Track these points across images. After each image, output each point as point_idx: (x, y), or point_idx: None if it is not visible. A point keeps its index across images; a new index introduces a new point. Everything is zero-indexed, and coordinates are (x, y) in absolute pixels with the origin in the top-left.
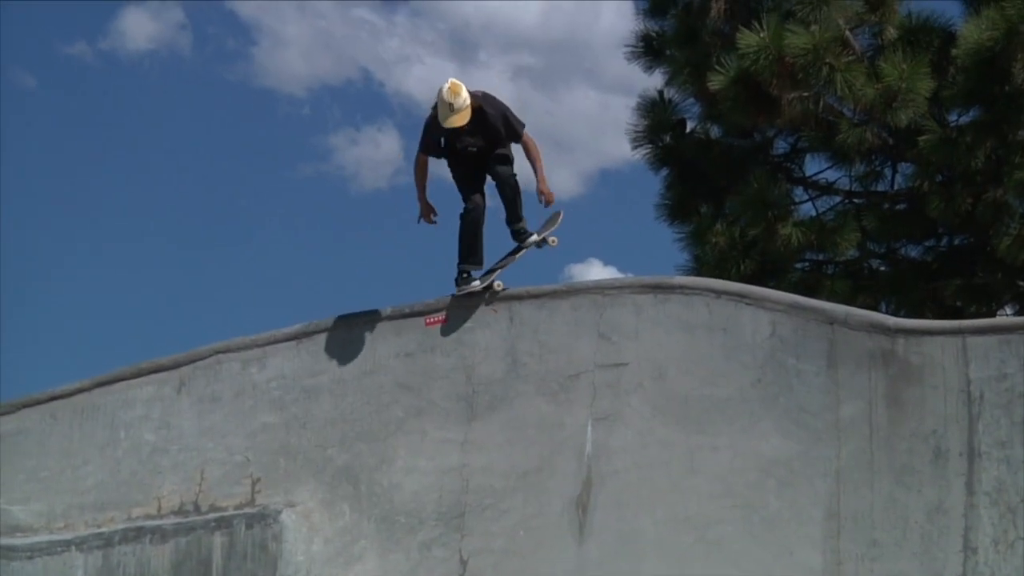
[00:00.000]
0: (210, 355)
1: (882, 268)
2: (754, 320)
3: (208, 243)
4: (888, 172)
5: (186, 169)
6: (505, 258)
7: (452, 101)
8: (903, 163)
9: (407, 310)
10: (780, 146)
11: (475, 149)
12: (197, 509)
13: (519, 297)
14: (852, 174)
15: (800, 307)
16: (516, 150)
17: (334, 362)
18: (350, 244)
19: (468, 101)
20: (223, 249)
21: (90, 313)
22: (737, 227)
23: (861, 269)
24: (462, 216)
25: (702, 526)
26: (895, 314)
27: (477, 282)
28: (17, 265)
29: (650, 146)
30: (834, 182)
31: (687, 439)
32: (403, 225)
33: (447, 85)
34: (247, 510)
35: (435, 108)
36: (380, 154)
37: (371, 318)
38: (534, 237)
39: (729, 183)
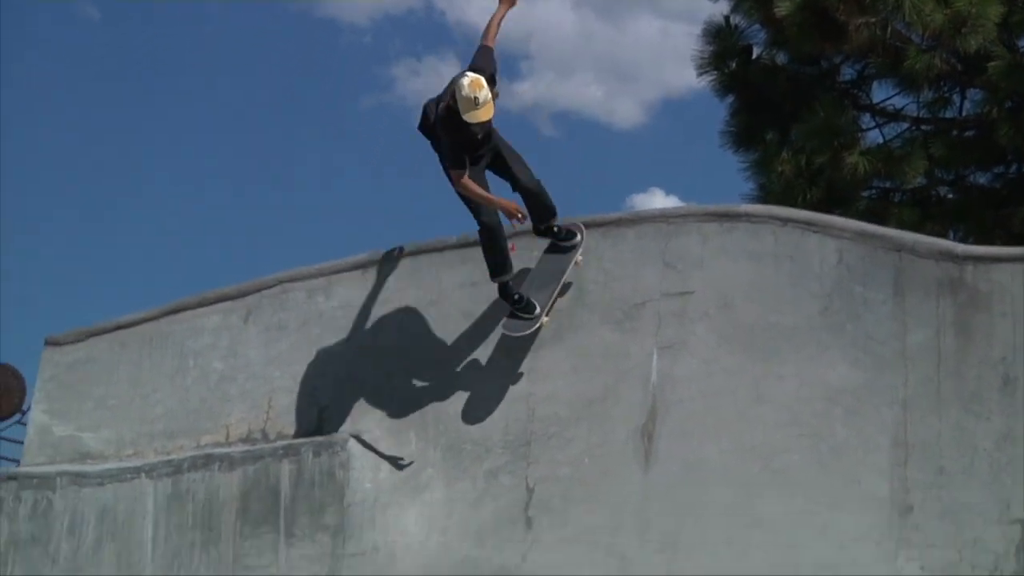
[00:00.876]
0: (276, 284)
1: (950, 195)
2: (821, 248)
3: (272, 174)
4: (956, 98)
5: (250, 99)
6: (559, 285)
7: (476, 95)
8: (972, 89)
9: (472, 239)
10: (847, 73)
11: (481, 135)
12: (265, 437)
13: (584, 225)
14: (920, 101)
15: (867, 235)
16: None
17: (399, 291)
18: (414, 175)
19: (490, 94)
20: (288, 179)
21: (158, 244)
22: (803, 155)
23: (929, 197)
24: (483, 233)
25: (768, 455)
26: (963, 241)
27: (546, 318)
28: (83, 196)
29: (715, 73)
30: (901, 109)
31: (753, 368)
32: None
33: (468, 80)
34: (315, 438)
35: (448, 117)
36: (441, 84)
37: (437, 247)
38: (579, 256)
39: (795, 110)
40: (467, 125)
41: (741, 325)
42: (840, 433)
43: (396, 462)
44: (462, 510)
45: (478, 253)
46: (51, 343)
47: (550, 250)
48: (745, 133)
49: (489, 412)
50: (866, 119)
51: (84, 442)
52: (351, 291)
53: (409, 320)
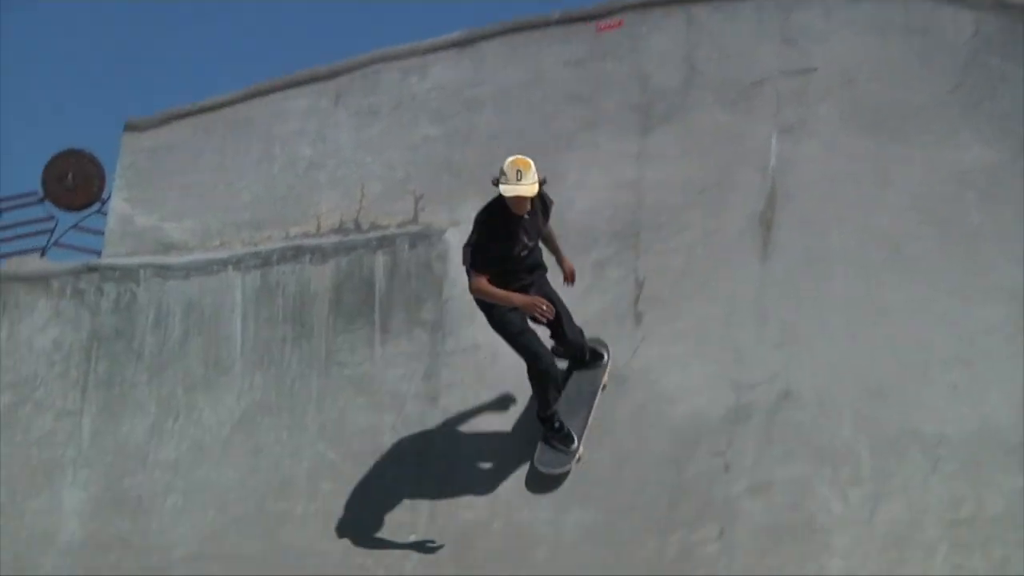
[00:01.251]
0: (367, 64)
1: None
2: (955, 19)
3: None
4: None
5: None
6: (590, 412)
7: (520, 169)
8: None
9: (576, 14)
10: None
11: (527, 253)
12: (358, 227)
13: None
14: None
15: (1006, 4)
16: None
17: (498, 71)
18: None
19: (536, 177)
20: None
21: (242, 21)
22: None
23: None
24: (533, 372)
25: (894, 242)
26: None
27: (582, 450)
28: None
29: None
30: None
31: (879, 150)
32: None
33: (512, 158)
34: (410, 228)
35: (487, 211)
36: None
37: (538, 23)
38: (605, 378)
39: None
40: (511, 221)
41: (866, 104)
42: (973, 219)
43: None
44: (568, 304)
45: (582, 29)
46: (131, 128)
47: (575, 368)
48: None
49: (595, 200)
50: None
51: (167, 232)
52: (447, 71)
53: (509, 102)
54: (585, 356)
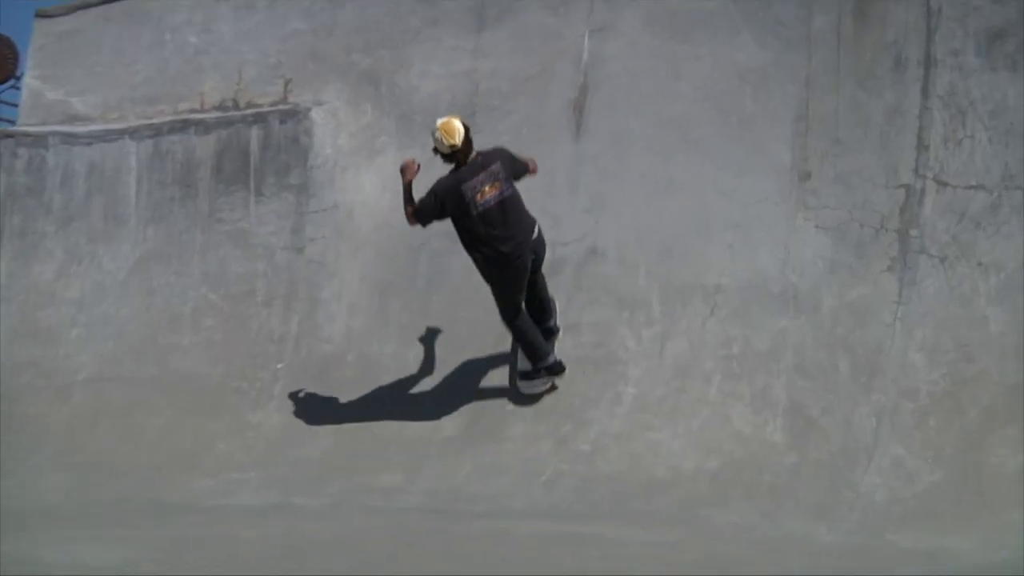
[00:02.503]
0: None
1: None
2: None
3: None
4: None
5: None
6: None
7: (444, 137)
8: None
9: None
10: None
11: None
12: (236, 105)
13: None
14: None
15: None
16: None
17: None
18: None
19: (454, 136)
20: None
21: None
22: None
23: None
24: (510, 328)
25: (685, 127)
26: None
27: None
28: None
29: None
30: None
31: (673, 49)
32: None
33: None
34: (280, 107)
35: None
36: None
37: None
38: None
39: None
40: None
41: (664, 9)
42: (749, 107)
43: (354, 128)
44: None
45: None
46: (42, 15)
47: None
48: None
49: (438, 86)
50: None
51: (73, 106)
52: None
53: (367, 1)
54: (550, 313)
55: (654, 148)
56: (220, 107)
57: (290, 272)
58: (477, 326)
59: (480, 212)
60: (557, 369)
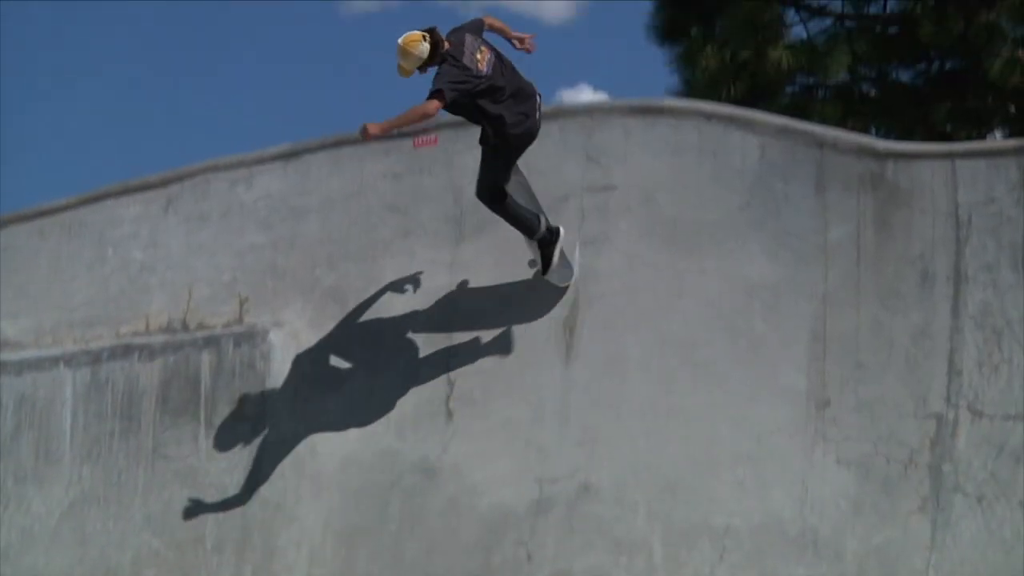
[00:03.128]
0: (198, 173)
1: (872, 92)
2: (743, 143)
3: (197, 63)
4: None
5: None
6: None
7: (408, 49)
8: None
9: (396, 133)
10: None
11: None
12: (185, 327)
13: None
14: None
15: (789, 130)
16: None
17: (322, 182)
18: (339, 67)
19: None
20: (212, 69)
21: (78, 132)
22: (728, 49)
23: (851, 92)
24: (499, 206)
25: (688, 348)
26: (885, 138)
27: (575, 267)
28: (6, 84)
29: None
30: (826, 5)
31: (674, 262)
32: (393, 48)
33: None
34: (235, 329)
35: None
36: None
37: (359, 138)
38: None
39: (720, 4)
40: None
41: (663, 219)
42: (759, 327)
43: (317, 353)
44: (383, 401)
45: (401, 145)
46: None
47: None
48: (670, 27)
49: (412, 304)
50: (791, 14)
51: (2, 330)
52: (273, 181)
53: (330, 210)
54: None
55: (654, 373)
56: (167, 329)
57: (244, 516)
58: (454, 573)
59: (487, 74)
60: (555, 234)
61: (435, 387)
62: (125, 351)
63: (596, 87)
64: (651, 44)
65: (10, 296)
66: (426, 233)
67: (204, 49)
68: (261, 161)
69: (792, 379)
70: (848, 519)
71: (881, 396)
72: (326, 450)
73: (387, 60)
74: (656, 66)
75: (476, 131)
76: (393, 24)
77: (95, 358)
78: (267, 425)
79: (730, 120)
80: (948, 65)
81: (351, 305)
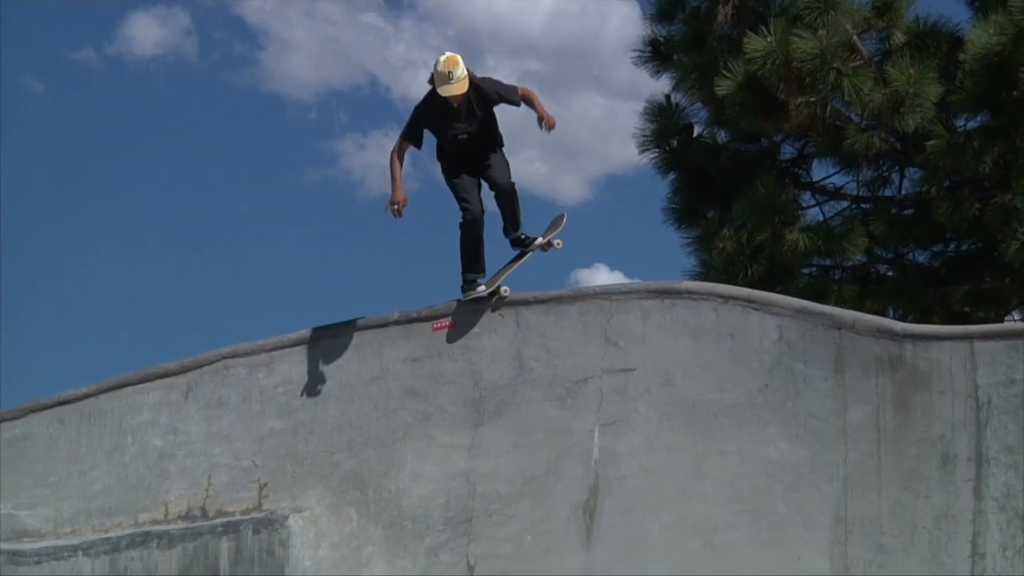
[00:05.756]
0: (217, 360)
1: (889, 273)
2: (761, 325)
3: (216, 248)
4: (896, 177)
5: (193, 174)
6: (511, 263)
7: (451, 70)
8: (911, 168)
9: (414, 315)
10: (787, 151)
11: (466, 136)
12: (204, 514)
13: (526, 302)
14: (859, 179)
15: (807, 312)
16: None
17: (341, 367)
18: (357, 249)
19: (466, 73)
20: (230, 254)
21: (97, 319)
22: (744, 232)
23: (868, 274)
24: (462, 225)
25: (709, 531)
26: (903, 319)
27: (483, 287)
28: (23, 270)
29: (657, 151)
30: (841, 187)
31: (694, 444)
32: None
33: (444, 56)
34: (254, 515)
35: (427, 93)
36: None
37: (378, 323)
38: (539, 240)
39: (736, 188)
40: (444, 109)
41: (682, 402)
42: (781, 509)
43: (336, 538)
44: None
45: (420, 329)
46: None
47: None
48: (686, 210)
49: (430, 488)
50: (806, 197)
51: (21, 520)
52: (292, 367)
53: (351, 396)
54: (516, 208)
55: (675, 557)
56: (186, 516)
57: None
58: None
59: None
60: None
61: (455, 572)
62: (144, 539)
63: (612, 267)
64: (667, 226)
65: (29, 485)
66: (445, 417)
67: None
68: (280, 347)
69: (815, 562)
70: None
71: None
72: None
73: (403, 242)
74: (671, 245)
75: (493, 317)
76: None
77: (114, 546)
78: None
79: (748, 302)
80: (965, 246)
81: (370, 490)
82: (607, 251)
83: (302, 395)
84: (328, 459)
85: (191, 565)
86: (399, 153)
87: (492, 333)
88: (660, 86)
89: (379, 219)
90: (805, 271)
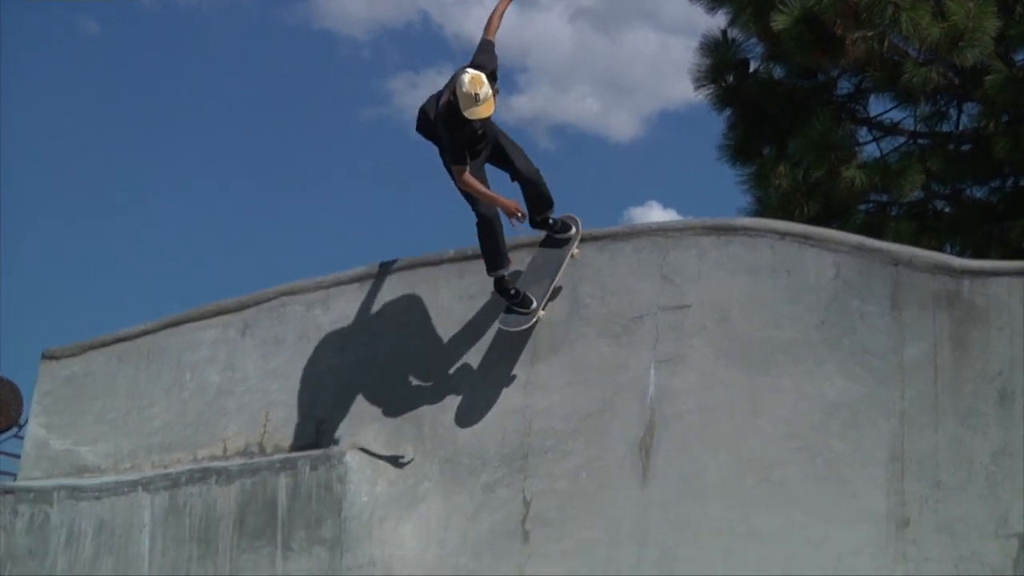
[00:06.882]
0: (274, 297)
1: (947, 209)
2: (818, 262)
3: (271, 188)
4: (953, 112)
5: (247, 114)
6: (556, 269)
7: (477, 91)
8: (969, 103)
9: (469, 252)
10: (844, 86)
11: (483, 130)
12: (262, 450)
13: (581, 239)
14: (917, 114)
15: (864, 248)
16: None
17: (397, 305)
18: (412, 187)
19: (491, 92)
20: (286, 193)
21: (154, 257)
22: (800, 169)
23: (926, 210)
24: (480, 225)
25: (765, 468)
26: (960, 255)
27: (542, 312)
28: (83, 206)
29: (712, 86)
30: (899, 123)
31: (750, 381)
32: None
33: (468, 76)
34: (311, 452)
35: (450, 111)
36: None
37: (433, 260)
38: (575, 249)
39: (792, 124)
40: (467, 121)
41: (738, 339)
42: (837, 446)
43: (393, 474)
44: (459, 523)
45: (476, 266)
46: (48, 357)
47: (545, 243)
48: (742, 147)
49: (486, 425)
50: (863, 133)
51: (81, 456)
52: (349, 304)
53: (407, 333)
54: (546, 193)
55: (732, 493)
56: (244, 453)
57: None
58: None
59: None
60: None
61: (511, 509)
62: (203, 475)
63: (665, 205)
64: (722, 163)
65: (89, 422)
66: (500, 354)
67: (277, 171)
68: (337, 284)
69: (871, 499)
70: None
71: (962, 516)
72: (403, 572)
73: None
74: (725, 184)
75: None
76: None
77: (173, 482)
78: (344, 547)
79: (804, 238)
80: (1022, 182)
81: (427, 426)
82: (660, 189)
83: (358, 332)
84: (384, 396)
85: (249, 501)
86: (470, 177)
87: None
88: (715, 21)
89: (433, 157)
90: (862, 208)
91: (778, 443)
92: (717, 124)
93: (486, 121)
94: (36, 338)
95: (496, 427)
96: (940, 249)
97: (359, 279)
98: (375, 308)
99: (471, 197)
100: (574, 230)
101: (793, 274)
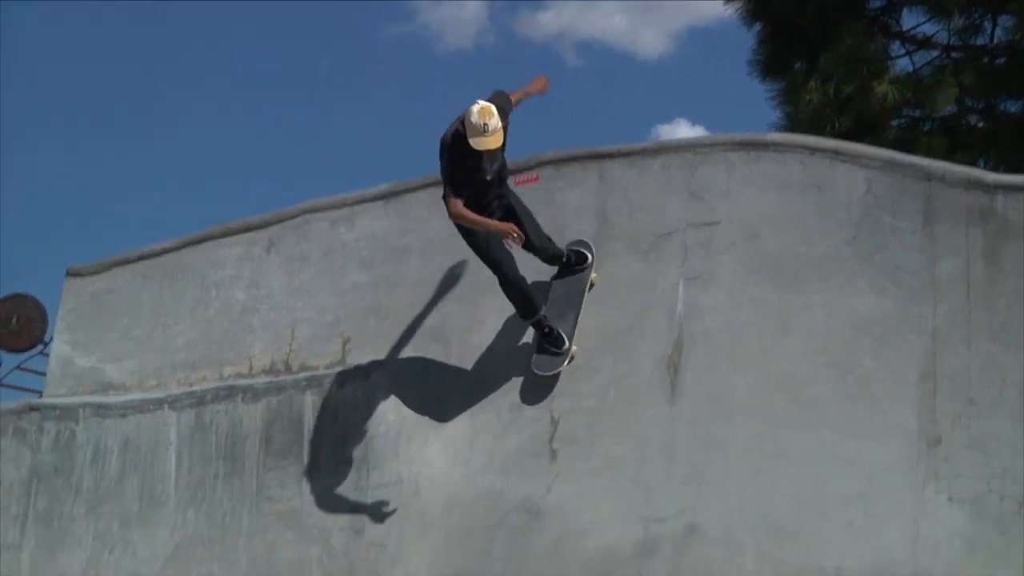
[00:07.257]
0: (299, 214)
1: (980, 124)
2: (849, 177)
3: (296, 104)
4: (988, 25)
5: (270, 31)
6: (579, 310)
7: (486, 122)
8: (1003, 15)
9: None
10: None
11: (491, 175)
12: (288, 368)
13: (609, 155)
14: (950, 28)
15: (896, 163)
16: None
17: (423, 222)
18: (438, 104)
19: (500, 125)
20: (310, 110)
21: (179, 174)
22: (831, 84)
23: (959, 125)
24: (504, 285)
25: (795, 386)
26: (993, 171)
27: (575, 347)
28: (108, 123)
29: (742, 1)
30: (932, 36)
31: (780, 298)
32: (488, 85)
33: (478, 107)
34: (338, 369)
35: (454, 140)
36: (465, 13)
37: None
38: (594, 274)
39: (823, 38)
40: (471, 154)
41: (768, 255)
42: (868, 364)
43: (420, 393)
44: (486, 442)
45: None
46: (73, 274)
47: (562, 274)
48: (772, 62)
49: (514, 343)
50: (895, 47)
51: (106, 373)
52: (374, 221)
53: (432, 250)
54: (564, 258)
55: (760, 412)
56: (270, 371)
57: (348, 558)
58: None
59: None
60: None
61: (538, 427)
62: (229, 393)
63: (693, 122)
64: (751, 78)
65: (114, 339)
66: (528, 272)
67: (301, 90)
68: (362, 201)
69: (902, 416)
70: (962, 558)
71: (994, 433)
72: (430, 490)
73: (482, 95)
74: (754, 100)
75: (575, 169)
76: (486, 59)
77: (199, 400)
78: (370, 466)
79: (835, 154)
80: None
81: (453, 345)
82: (688, 106)
83: (384, 250)
84: (411, 313)
85: (276, 419)
86: (462, 208)
87: (575, 187)
88: None
89: (459, 72)
90: (894, 123)
91: (808, 361)
92: (747, 39)
93: (495, 155)
94: (60, 255)
95: (524, 346)
96: (973, 164)
97: (384, 196)
98: (400, 226)
99: (468, 233)
100: (590, 258)
101: (824, 190)
